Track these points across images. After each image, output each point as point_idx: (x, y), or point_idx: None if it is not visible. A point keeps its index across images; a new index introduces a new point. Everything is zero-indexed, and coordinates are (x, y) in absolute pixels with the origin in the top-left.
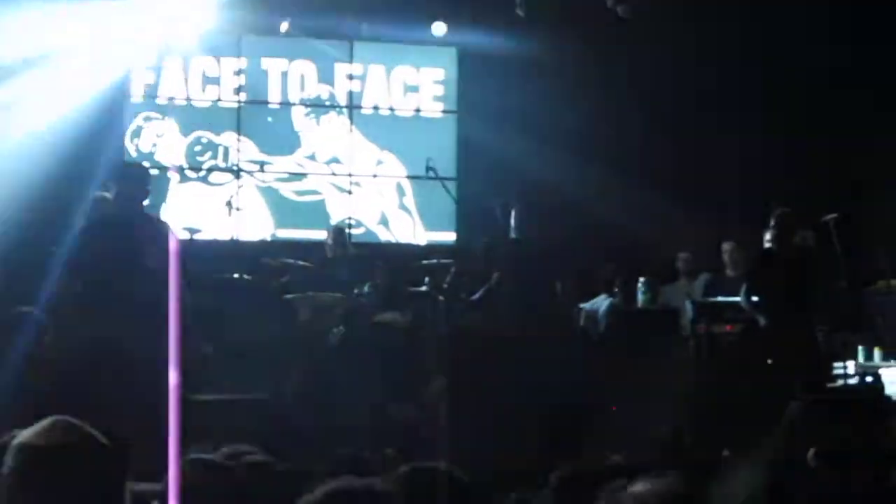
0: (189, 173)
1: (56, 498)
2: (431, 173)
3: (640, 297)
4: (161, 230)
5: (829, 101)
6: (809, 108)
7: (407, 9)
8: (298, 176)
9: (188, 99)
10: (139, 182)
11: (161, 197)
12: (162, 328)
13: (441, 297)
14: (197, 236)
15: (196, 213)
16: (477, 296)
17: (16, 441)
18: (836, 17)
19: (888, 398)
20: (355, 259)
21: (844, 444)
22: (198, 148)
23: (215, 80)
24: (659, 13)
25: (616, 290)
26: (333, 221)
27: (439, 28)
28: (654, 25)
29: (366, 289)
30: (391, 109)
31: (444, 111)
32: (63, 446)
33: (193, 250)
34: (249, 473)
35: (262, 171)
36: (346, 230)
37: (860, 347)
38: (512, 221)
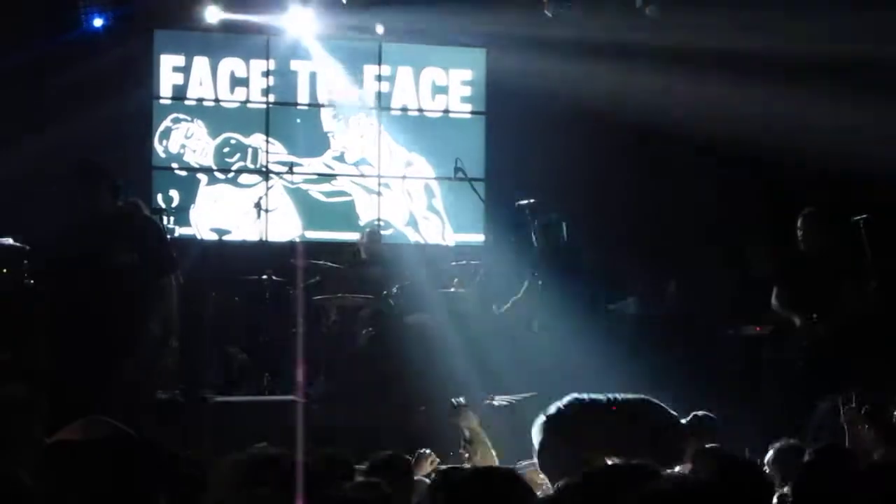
0: (218, 175)
1: (92, 493)
2: (460, 174)
3: (667, 301)
4: (136, 224)
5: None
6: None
7: (435, 10)
8: (327, 177)
9: (217, 100)
10: (94, 178)
11: (190, 199)
12: (137, 322)
13: (469, 300)
14: (226, 238)
15: (225, 214)
16: (505, 307)
17: (52, 439)
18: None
19: None
20: (389, 261)
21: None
22: (226, 149)
23: (244, 82)
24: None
25: (644, 291)
26: (362, 222)
27: (379, 28)
28: (682, 26)
29: (394, 290)
30: (420, 111)
31: (472, 112)
32: (99, 441)
33: (222, 252)
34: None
35: (290, 172)
36: (379, 233)
37: None
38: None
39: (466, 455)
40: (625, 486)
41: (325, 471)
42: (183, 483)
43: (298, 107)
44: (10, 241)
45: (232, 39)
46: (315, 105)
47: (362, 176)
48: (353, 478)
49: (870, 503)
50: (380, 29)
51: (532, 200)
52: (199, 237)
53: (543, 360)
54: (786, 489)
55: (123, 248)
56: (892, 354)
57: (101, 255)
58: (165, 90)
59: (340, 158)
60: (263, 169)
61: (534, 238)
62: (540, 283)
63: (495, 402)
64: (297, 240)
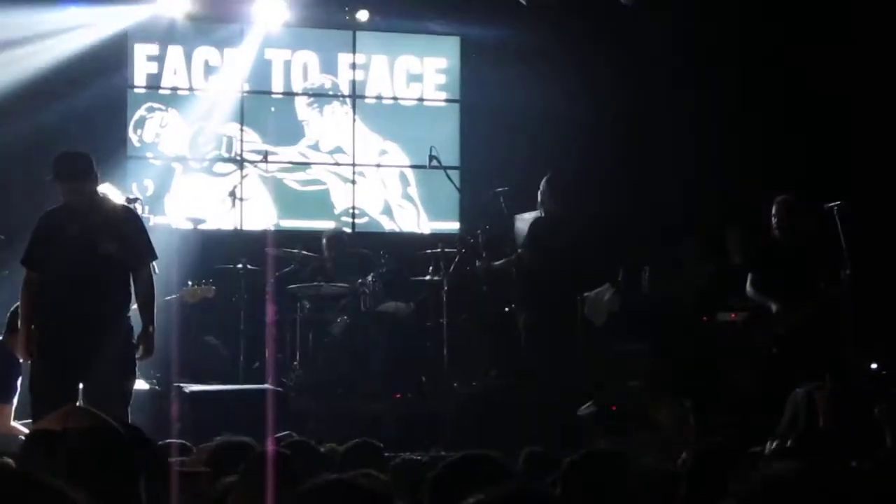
0: (192, 164)
1: (73, 483)
2: (434, 162)
3: (644, 287)
4: (118, 214)
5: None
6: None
7: None
8: (302, 166)
9: (191, 90)
10: (83, 168)
11: (165, 188)
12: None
13: (445, 287)
14: (201, 227)
15: (200, 203)
16: (499, 263)
17: (33, 428)
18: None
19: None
20: (352, 263)
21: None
22: (201, 138)
23: (218, 71)
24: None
25: (620, 279)
26: (337, 211)
27: (363, 14)
28: (657, 13)
29: (369, 278)
30: (394, 99)
31: (446, 100)
32: (81, 431)
33: (197, 240)
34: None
35: (265, 161)
36: (343, 237)
37: None
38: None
39: None
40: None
41: (296, 458)
42: (161, 470)
43: (273, 95)
44: None
45: (206, 28)
46: (289, 93)
47: (337, 164)
48: (325, 465)
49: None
50: (363, 15)
51: (507, 188)
52: (174, 226)
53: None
54: None
55: (107, 238)
56: (865, 340)
57: (87, 243)
58: (140, 79)
59: (315, 147)
60: (238, 158)
61: (516, 224)
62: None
63: (469, 390)
64: (272, 228)
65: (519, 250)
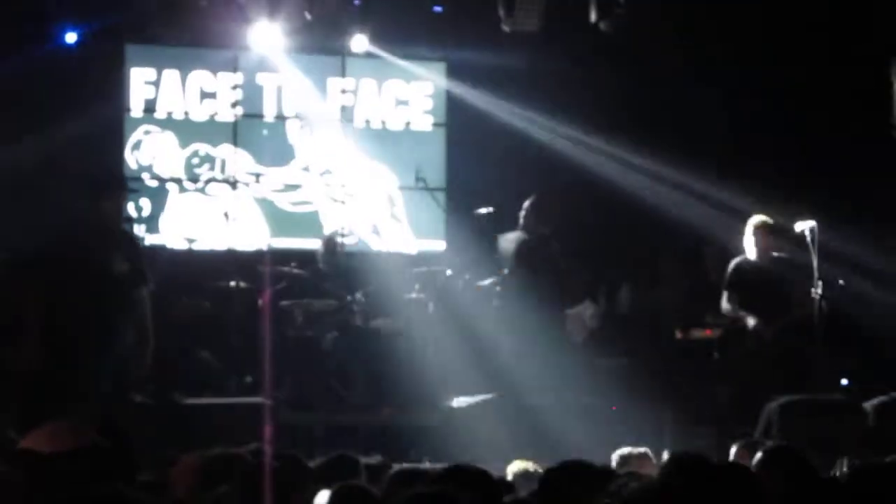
0: (187, 185)
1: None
2: (421, 184)
3: (623, 304)
4: (127, 236)
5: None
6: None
7: (397, 25)
8: (293, 187)
9: (186, 113)
10: (110, 188)
11: (160, 208)
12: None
13: (430, 305)
14: (195, 246)
15: (194, 223)
16: (487, 282)
17: (19, 446)
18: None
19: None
20: (346, 269)
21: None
22: (195, 160)
23: (212, 95)
24: (641, 27)
25: (600, 296)
26: (327, 231)
27: (360, 43)
28: (636, 39)
29: (358, 296)
30: (383, 123)
31: (433, 124)
32: (68, 454)
33: (191, 259)
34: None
35: (257, 182)
36: (339, 240)
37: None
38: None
39: None
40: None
41: (286, 471)
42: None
43: (265, 119)
44: None
45: (201, 53)
46: (281, 117)
47: (327, 186)
48: (314, 479)
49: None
50: (361, 42)
51: (491, 209)
52: (168, 246)
53: (503, 363)
54: None
55: (119, 258)
56: (836, 355)
57: (101, 261)
58: (137, 103)
59: (306, 169)
60: (231, 179)
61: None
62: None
63: (454, 405)
64: (265, 248)
65: (504, 270)
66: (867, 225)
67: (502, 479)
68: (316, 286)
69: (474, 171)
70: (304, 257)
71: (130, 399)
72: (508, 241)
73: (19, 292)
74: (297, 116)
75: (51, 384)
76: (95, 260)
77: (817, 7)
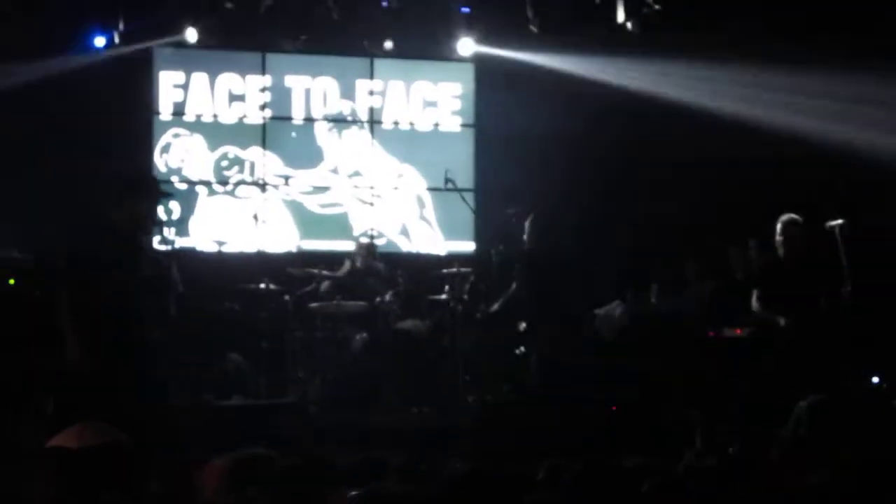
0: (216, 187)
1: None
2: (450, 185)
3: (653, 303)
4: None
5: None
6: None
7: (425, 25)
8: (322, 189)
9: (215, 116)
10: (148, 193)
11: (190, 211)
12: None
13: (459, 306)
14: (224, 248)
15: (223, 226)
16: (496, 307)
17: (48, 445)
18: None
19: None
20: (378, 273)
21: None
22: (224, 163)
23: (241, 98)
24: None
25: (629, 296)
26: (356, 233)
27: (465, 46)
28: (665, 39)
29: (388, 297)
30: (411, 124)
31: (462, 125)
32: (95, 449)
33: (221, 262)
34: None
35: (286, 184)
36: (375, 247)
37: None
38: (526, 231)
39: None
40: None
41: (315, 472)
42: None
43: (293, 121)
44: (16, 253)
45: (229, 56)
46: (309, 119)
47: (356, 188)
48: (338, 479)
49: None
50: (388, 45)
51: (519, 210)
52: (198, 248)
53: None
54: None
55: (149, 262)
56: (865, 355)
57: (132, 266)
58: (166, 106)
59: (334, 171)
60: (261, 182)
61: (524, 240)
62: (527, 285)
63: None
64: (294, 250)
65: (513, 285)
66: None
67: (528, 477)
68: (345, 288)
69: (503, 171)
70: (333, 259)
71: (168, 401)
72: None
73: (53, 294)
74: (325, 118)
75: (89, 384)
76: (126, 262)
77: None
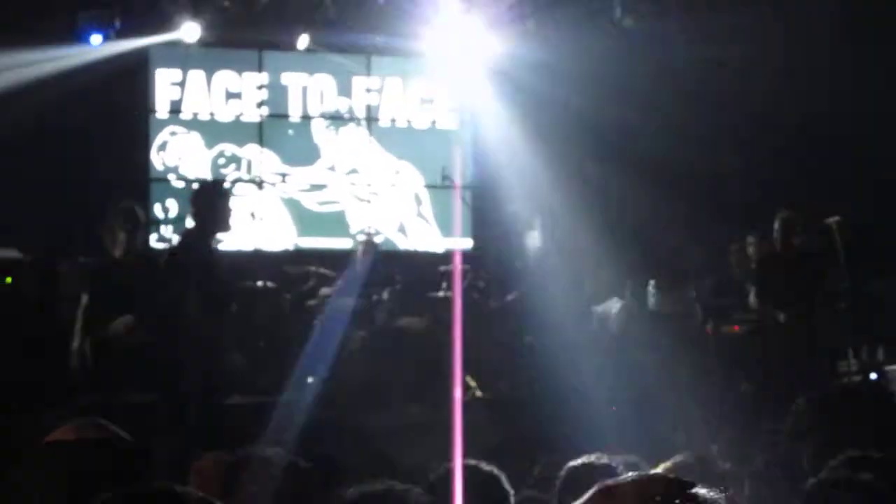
0: None
1: (81, 493)
2: (447, 182)
3: (651, 301)
4: None
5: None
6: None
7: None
8: (319, 187)
9: (212, 113)
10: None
11: (187, 208)
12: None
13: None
14: (221, 246)
15: None
16: (497, 304)
17: (46, 439)
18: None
19: (892, 394)
20: (382, 270)
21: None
22: (221, 161)
23: (237, 95)
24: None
25: (627, 293)
26: (353, 230)
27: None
28: (659, 34)
29: (385, 295)
30: (408, 121)
31: (459, 122)
32: (91, 442)
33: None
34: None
35: (283, 182)
36: (377, 246)
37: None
38: (537, 231)
39: None
40: None
41: (316, 470)
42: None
43: (290, 119)
44: (15, 252)
45: (226, 53)
46: (306, 117)
47: (353, 185)
48: (341, 477)
49: None
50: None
51: (519, 208)
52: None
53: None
54: None
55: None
56: (864, 348)
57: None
58: (162, 104)
59: (331, 168)
60: (257, 179)
61: (525, 241)
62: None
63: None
64: (291, 248)
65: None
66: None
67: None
68: (343, 286)
69: (501, 168)
70: (331, 256)
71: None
72: (533, 238)
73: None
74: (322, 116)
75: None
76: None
77: None
